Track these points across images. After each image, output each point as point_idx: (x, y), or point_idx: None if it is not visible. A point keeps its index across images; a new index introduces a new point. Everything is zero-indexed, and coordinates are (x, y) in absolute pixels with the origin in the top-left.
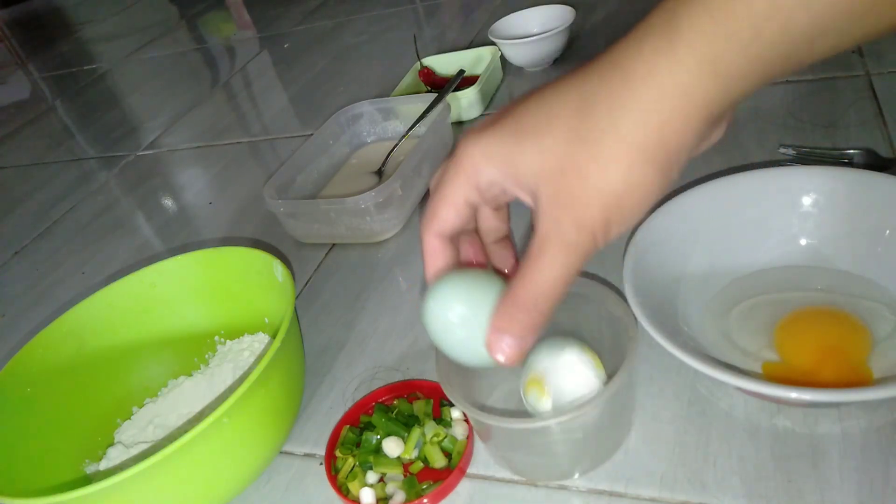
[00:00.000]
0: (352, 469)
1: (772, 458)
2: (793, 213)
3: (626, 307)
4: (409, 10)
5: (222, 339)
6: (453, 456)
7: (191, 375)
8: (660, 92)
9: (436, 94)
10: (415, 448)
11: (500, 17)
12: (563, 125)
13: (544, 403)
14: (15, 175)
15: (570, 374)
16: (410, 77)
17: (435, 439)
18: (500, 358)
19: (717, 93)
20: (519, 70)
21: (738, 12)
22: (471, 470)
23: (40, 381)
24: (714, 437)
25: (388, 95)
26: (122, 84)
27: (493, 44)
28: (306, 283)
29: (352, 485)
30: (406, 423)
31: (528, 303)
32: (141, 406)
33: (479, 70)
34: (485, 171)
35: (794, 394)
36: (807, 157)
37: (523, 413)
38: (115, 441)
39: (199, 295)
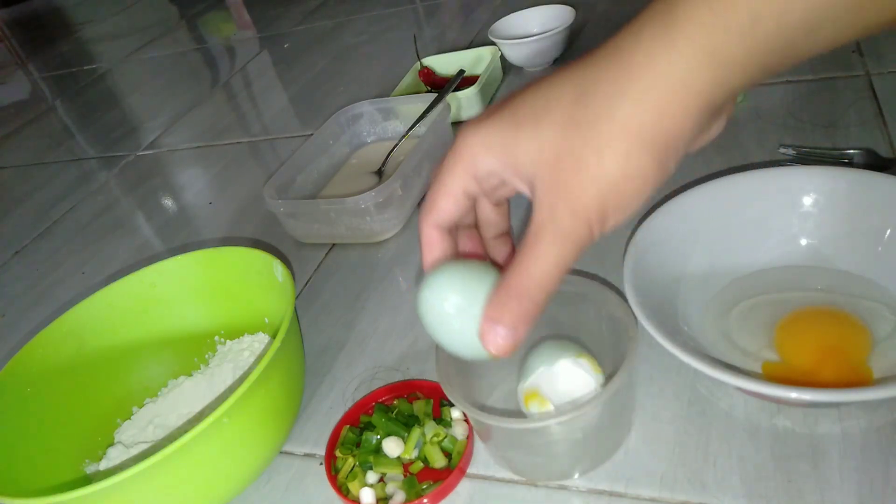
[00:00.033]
0: (352, 469)
1: (772, 458)
2: (793, 213)
3: (626, 307)
4: (409, 10)
5: (222, 339)
6: (453, 456)
7: (191, 375)
8: (658, 80)
9: (436, 94)
10: (415, 448)
11: (500, 17)
12: (561, 113)
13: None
14: (15, 175)
15: (568, 382)
16: (410, 77)
17: (435, 439)
18: (493, 349)
19: (715, 83)
20: (519, 70)
21: (737, 2)
22: (471, 470)
23: (40, 381)
24: (714, 437)
25: (388, 95)
26: (122, 84)
27: (493, 44)
28: (306, 283)
29: (352, 485)
30: (406, 423)
31: (522, 292)
32: (141, 406)
33: (479, 70)
34: (483, 161)
35: (794, 394)
36: (807, 157)
37: (523, 413)
38: (115, 441)
39: (199, 295)
